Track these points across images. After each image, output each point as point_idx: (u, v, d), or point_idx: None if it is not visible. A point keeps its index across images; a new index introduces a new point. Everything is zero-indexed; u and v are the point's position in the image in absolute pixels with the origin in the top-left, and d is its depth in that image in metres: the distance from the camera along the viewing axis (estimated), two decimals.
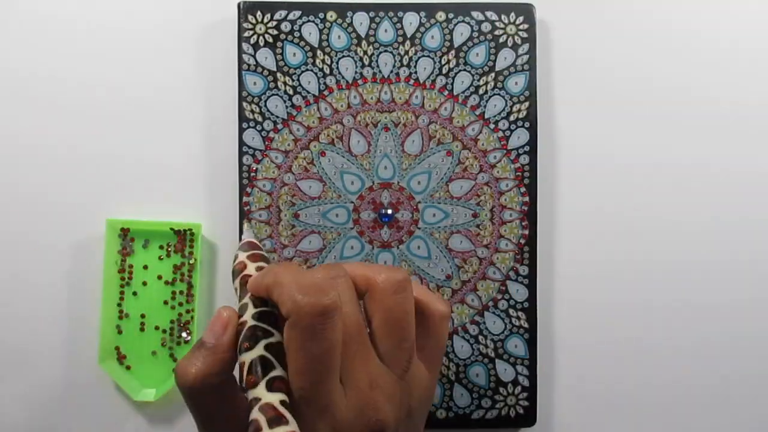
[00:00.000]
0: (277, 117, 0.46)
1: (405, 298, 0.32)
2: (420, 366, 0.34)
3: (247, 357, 0.31)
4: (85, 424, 0.47)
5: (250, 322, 0.32)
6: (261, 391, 0.30)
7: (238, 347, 0.31)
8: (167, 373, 0.47)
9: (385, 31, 0.46)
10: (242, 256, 0.35)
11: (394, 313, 0.32)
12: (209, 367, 0.31)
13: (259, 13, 0.46)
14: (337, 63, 0.46)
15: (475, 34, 0.46)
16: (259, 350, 0.31)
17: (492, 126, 0.46)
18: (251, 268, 0.34)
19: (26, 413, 0.47)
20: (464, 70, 0.46)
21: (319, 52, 0.46)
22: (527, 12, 0.46)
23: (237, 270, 0.35)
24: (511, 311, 0.46)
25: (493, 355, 0.46)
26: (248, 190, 0.46)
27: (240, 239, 0.45)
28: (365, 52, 0.46)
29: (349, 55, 0.46)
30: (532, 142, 0.46)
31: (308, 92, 0.46)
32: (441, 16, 0.46)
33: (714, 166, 0.48)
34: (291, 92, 0.46)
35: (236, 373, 0.33)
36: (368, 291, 0.33)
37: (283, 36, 0.46)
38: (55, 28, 0.47)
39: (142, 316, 0.47)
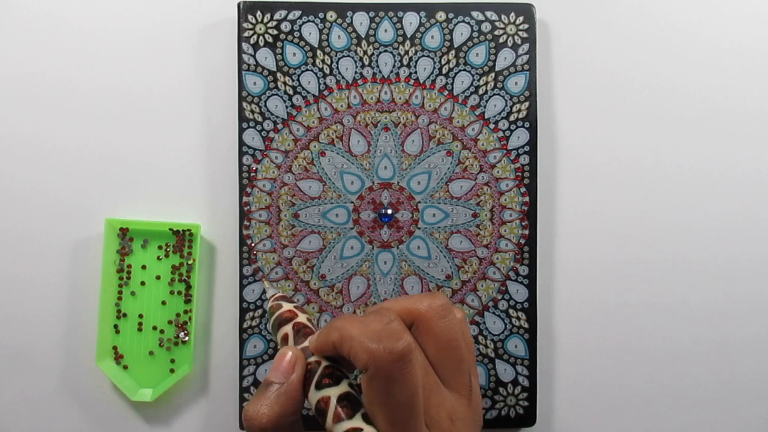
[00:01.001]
0: (277, 117, 0.46)
1: (451, 320, 0.32)
2: (476, 383, 0.34)
3: (332, 392, 0.31)
4: (81, 424, 0.47)
5: (325, 362, 0.32)
6: (358, 423, 0.30)
7: (316, 383, 0.31)
8: (164, 373, 0.46)
9: (385, 31, 0.46)
10: (288, 306, 0.36)
11: (446, 337, 0.32)
12: (284, 407, 0.31)
13: (259, 13, 0.46)
14: (337, 63, 0.46)
15: (475, 34, 0.46)
16: (344, 387, 0.31)
17: (492, 126, 0.46)
18: (302, 318, 0.35)
19: (23, 412, 0.47)
20: (464, 70, 0.46)
21: (319, 52, 0.46)
22: (527, 12, 0.46)
23: (286, 317, 0.35)
24: (511, 311, 0.46)
25: (493, 355, 0.46)
26: (248, 190, 0.46)
27: (264, 286, 0.44)
28: (365, 52, 0.46)
29: (349, 55, 0.46)
30: (532, 142, 0.46)
31: (308, 92, 0.46)
32: (441, 16, 0.46)
33: (714, 166, 0.48)
34: (291, 92, 0.46)
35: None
36: (414, 323, 0.32)
37: (283, 36, 0.46)
38: (55, 28, 0.47)
39: (140, 316, 0.46)
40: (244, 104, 0.46)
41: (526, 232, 0.46)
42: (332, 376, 0.31)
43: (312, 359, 0.32)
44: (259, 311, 0.46)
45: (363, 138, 0.46)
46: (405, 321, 0.32)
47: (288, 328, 0.35)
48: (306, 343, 0.33)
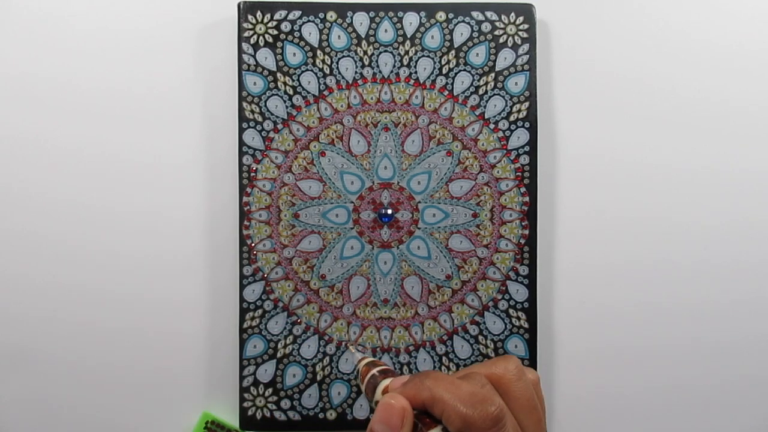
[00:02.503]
0: (277, 117, 0.46)
1: (526, 382, 0.34)
2: None
3: None
4: (80, 423, 0.47)
5: (417, 413, 0.32)
6: None
7: None
8: None
9: (385, 31, 0.46)
10: (375, 369, 0.35)
11: (524, 398, 0.33)
12: None
13: (259, 13, 0.46)
14: (337, 63, 0.46)
15: (475, 34, 0.46)
16: None
17: (492, 126, 0.46)
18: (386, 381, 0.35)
19: (23, 412, 0.47)
20: (464, 70, 0.46)
21: (319, 52, 0.46)
22: (527, 12, 0.46)
23: (379, 381, 0.35)
24: (511, 311, 0.46)
25: (493, 355, 0.46)
26: (248, 190, 0.46)
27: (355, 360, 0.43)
28: (365, 52, 0.46)
29: (349, 55, 0.46)
30: (532, 142, 0.46)
31: (308, 92, 0.46)
32: (441, 16, 0.46)
33: (714, 166, 0.48)
34: (291, 92, 0.46)
35: None
36: (494, 385, 0.33)
37: (283, 36, 0.46)
38: (55, 28, 0.47)
39: None
40: (244, 104, 0.46)
41: (526, 232, 0.46)
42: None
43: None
44: (259, 311, 0.46)
45: (363, 138, 0.46)
46: None
47: (379, 394, 0.34)
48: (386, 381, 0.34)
